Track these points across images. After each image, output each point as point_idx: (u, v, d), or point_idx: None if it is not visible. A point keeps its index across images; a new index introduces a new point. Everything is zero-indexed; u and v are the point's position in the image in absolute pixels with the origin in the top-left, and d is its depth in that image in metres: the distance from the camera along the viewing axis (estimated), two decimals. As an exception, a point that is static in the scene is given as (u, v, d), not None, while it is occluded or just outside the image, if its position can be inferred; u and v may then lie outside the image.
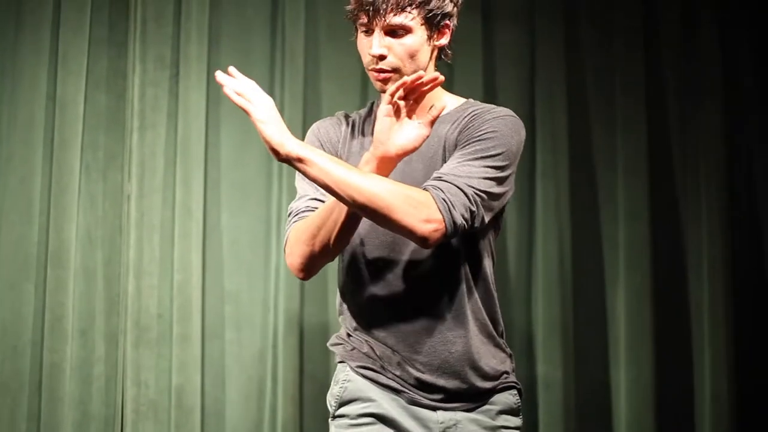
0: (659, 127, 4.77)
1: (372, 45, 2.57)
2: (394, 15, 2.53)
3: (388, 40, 2.56)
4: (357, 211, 2.44)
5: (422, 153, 2.57)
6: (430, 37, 2.61)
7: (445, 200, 2.43)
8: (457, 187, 2.46)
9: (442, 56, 2.72)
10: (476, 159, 2.52)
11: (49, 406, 4.07)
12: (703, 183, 4.76)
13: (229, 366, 4.26)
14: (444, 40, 2.67)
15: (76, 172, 4.18)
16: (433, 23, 2.60)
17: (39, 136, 4.16)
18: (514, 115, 2.66)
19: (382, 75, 2.59)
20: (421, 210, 2.41)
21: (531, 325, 4.59)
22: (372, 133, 2.55)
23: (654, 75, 4.78)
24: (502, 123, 2.59)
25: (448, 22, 2.65)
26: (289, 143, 2.41)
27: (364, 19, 2.56)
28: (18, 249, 4.12)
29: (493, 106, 2.71)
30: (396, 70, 2.58)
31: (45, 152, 4.16)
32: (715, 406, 4.63)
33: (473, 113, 2.63)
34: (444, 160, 2.59)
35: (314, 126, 2.83)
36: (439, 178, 2.48)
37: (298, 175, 2.69)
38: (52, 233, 4.14)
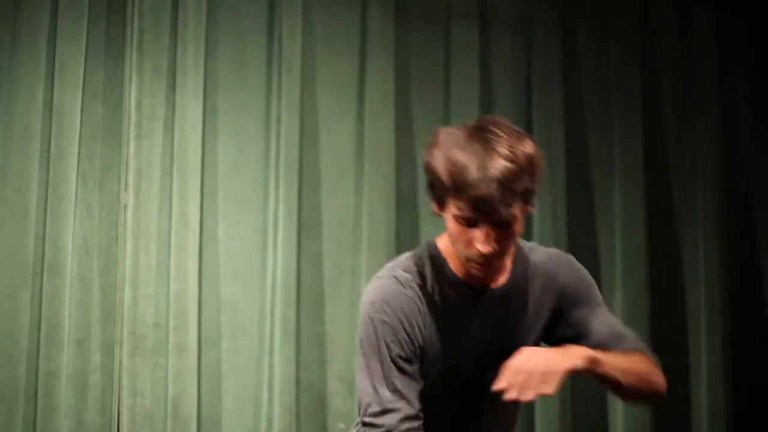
0: (655, 134, 4.79)
1: (478, 240, 2.26)
2: (506, 209, 2.22)
3: (496, 232, 2.27)
4: (630, 395, 2.50)
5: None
6: (524, 213, 2.33)
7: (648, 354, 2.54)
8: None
9: None
10: (602, 305, 2.57)
11: (44, 414, 4.06)
12: (699, 190, 4.78)
13: (225, 375, 4.26)
14: (533, 209, 2.40)
15: (73, 182, 4.18)
16: (530, 203, 2.34)
17: (36, 146, 4.16)
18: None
19: (486, 268, 2.33)
20: (657, 371, 2.55)
21: (527, 333, 4.59)
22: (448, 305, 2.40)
23: (650, 83, 4.80)
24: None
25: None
26: (575, 359, 2.29)
27: (468, 213, 2.24)
28: (14, 257, 4.11)
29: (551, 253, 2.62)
30: (500, 259, 2.33)
31: (41, 161, 4.16)
32: (712, 414, 4.64)
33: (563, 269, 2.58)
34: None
35: (391, 305, 2.39)
36: (624, 336, 2.54)
37: (369, 377, 2.36)
38: (49, 242, 4.13)
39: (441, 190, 2.27)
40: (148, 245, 4.21)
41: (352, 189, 4.48)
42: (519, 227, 2.29)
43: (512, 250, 2.37)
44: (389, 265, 2.46)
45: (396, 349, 2.33)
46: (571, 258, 2.58)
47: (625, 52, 4.77)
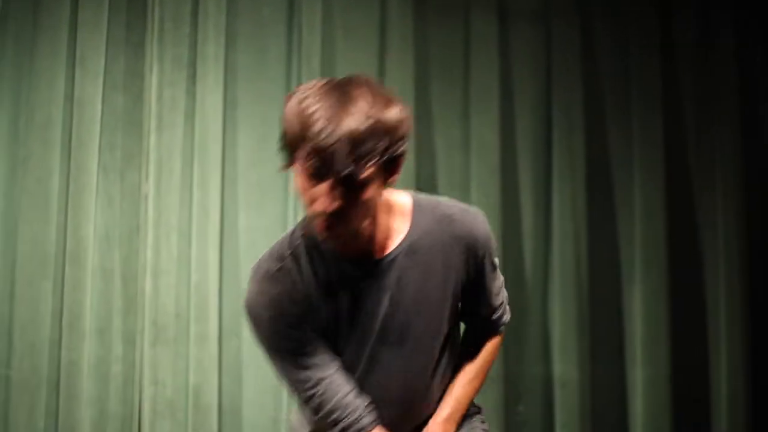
0: (675, 125, 4.78)
1: (322, 195, 2.11)
2: (351, 165, 2.08)
3: (341, 191, 2.11)
4: None
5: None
6: (384, 181, 2.19)
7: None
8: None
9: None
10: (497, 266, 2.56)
11: (66, 404, 4.09)
12: (719, 182, 4.76)
13: (246, 365, 4.27)
14: (397, 176, 2.23)
15: (94, 172, 4.20)
16: (390, 170, 2.18)
17: (57, 137, 4.18)
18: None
19: (328, 227, 2.17)
20: (496, 352, 2.65)
21: (547, 324, 4.59)
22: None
23: (670, 74, 4.78)
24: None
25: (403, 159, 2.20)
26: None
27: (311, 165, 2.09)
28: (36, 248, 4.13)
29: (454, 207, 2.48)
30: (345, 222, 2.17)
31: (63, 152, 4.18)
32: (732, 404, 4.63)
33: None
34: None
35: (267, 300, 2.35)
36: (498, 312, 2.60)
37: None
38: (70, 233, 4.15)
39: (289, 140, 2.12)
40: (169, 236, 4.22)
41: (372, 179, 4.48)
42: (372, 193, 2.15)
43: (374, 219, 2.25)
44: (263, 256, 2.38)
45: (285, 339, 2.37)
46: (481, 214, 2.46)
47: (645, 43, 4.76)
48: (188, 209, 4.26)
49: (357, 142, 2.06)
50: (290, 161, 2.14)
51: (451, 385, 2.53)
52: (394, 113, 2.13)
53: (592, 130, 4.69)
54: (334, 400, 2.36)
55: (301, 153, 2.09)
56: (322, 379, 2.36)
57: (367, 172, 2.09)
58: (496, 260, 2.50)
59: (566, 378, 4.54)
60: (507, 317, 2.63)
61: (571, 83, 4.66)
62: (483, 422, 2.65)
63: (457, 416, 2.52)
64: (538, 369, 4.54)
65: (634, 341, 4.63)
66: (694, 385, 4.69)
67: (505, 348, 4.46)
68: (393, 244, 2.34)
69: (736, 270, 4.71)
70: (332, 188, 2.09)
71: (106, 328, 4.17)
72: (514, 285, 4.56)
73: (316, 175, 2.09)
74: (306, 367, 2.36)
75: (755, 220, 4.81)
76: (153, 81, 4.29)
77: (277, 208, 4.37)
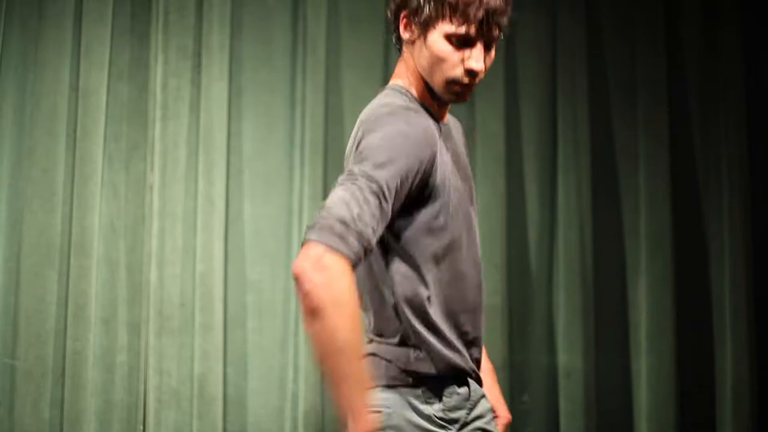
0: (680, 115, 4.77)
1: (473, 58, 2.28)
2: (498, 29, 2.30)
3: (489, 51, 2.33)
4: None
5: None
6: None
7: None
8: None
9: None
10: None
11: (72, 393, 4.09)
12: (724, 171, 4.76)
13: (251, 355, 4.28)
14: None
15: (99, 163, 4.20)
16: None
17: (62, 127, 4.18)
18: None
19: (470, 88, 2.34)
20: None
21: (552, 313, 4.60)
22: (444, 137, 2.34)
23: (675, 64, 4.78)
24: None
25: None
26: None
27: (468, 30, 2.26)
28: (41, 238, 4.14)
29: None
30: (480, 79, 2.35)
31: (68, 143, 4.18)
32: (736, 394, 4.64)
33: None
34: None
35: (422, 129, 2.24)
36: None
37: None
38: (75, 222, 4.16)
39: (437, 9, 2.27)
40: (174, 226, 4.23)
41: (377, 169, 4.48)
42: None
43: None
44: (383, 97, 2.37)
45: (407, 169, 2.15)
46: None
47: (650, 34, 4.75)
48: (193, 199, 4.26)
49: (508, 3, 2.31)
50: (425, 30, 2.31)
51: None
52: None
53: (598, 120, 4.69)
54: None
55: (457, 19, 2.25)
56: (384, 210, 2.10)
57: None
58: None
59: (571, 368, 4.55)
60: None
61: (577, 74, 4.66)
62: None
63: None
64: (543, 358, 4.55)
65: (639, 331, 4.63)
66: (699, 375, 4.69)
67: (509, 337, 4.48)
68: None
69: (741, 260, 4.71)
70: (483, 49, 2.29)
71: (112, 318, 4.19)
72: (519, 274, 4.57)
73: (468, 41, 2.27)
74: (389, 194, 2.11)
75: (760, 210, 4.81)
76: (158, 71, 4.29)
77: (283, 197, 4.37)
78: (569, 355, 4.55)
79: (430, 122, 2.29)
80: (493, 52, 2.33)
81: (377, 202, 2.07)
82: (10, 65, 4.22)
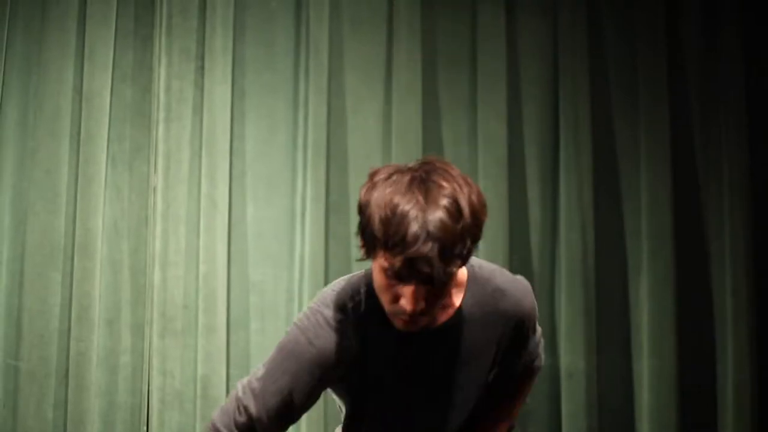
0: (682, 117, 4.78)
1: (404, 297, 2.06)
2: (442, 270, 2.01)
3: (426, 290, 2.06)
4: None
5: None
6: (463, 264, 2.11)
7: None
8: None
9: None
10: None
11: (75, 394, 4.10)
12: (725, 173, 4.76)
13: (254, 356, 4.28)
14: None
15: (103, 164, 4.21)
16: (468, 258, 2.09)
17: (65, 129, 4.19)
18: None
19: (411, 323, 2.12)
20: (529, 389, 2.79)
21: (554, 315, 4.60)
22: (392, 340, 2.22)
23: (676, 66, 4.78)
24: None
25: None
26: None
27: (401, 268, 2.01)
28: (45, 239, 4.15)
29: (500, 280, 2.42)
30: (427, 316, 2.13)
31: (71, 144, 4.19)
32: (738, 395, 4.64)
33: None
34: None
35: (313, 352, 2.22)
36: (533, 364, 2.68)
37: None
38: (79, 224, 4.17)
39: (372, 239, 2.02)
40: (177, 227, 4.24)
41: (380, 171, 4.48)
42: (454, 284, 2.16)
43: (450, 302, 2.23)
44: (326, 298, 2.26)
45: (298, 386, 2.22)
46: (529, 286, 2.46)
47: (650, 34, 4.75)
48: (196, 201, 4.27)
49: (448, 246, 1.98)
50: (369, 254, 2.06)
51: (485, 424, 2.52)
52: (475, 199, 2.05)
53: (599, 122, 4.70)
54: None
55: (387, 255, 2.00)
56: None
57: (455, 269, 2.03)
58: (538, 325, 2.55)
59: (573, 369, 4.55)
60: (542, 360, 2.63)
61: (578, 75, 4.66)
62: None
63: None
64: (545, 360, 4.54)
65: (641, 332, 4.64)
66: (701, 377, 4.70)
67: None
68: (445, 317, 2.27)
69: (742, 261, 4.71)
70: (419, 290, 2.03)
71: (115, 319, 4.19)
72: (521, 275, 4.56)
73: (404, 277, 2.02)
74: (275, 418, 2.25)
75: (761, 210, 4.81)
76: (161, 73, 4.30)
77: (285, 199, 4.38)
78: (571, 356, 4.56)
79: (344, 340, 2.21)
80: (449, 286, 2.09)
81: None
82: (14, 67, 4.22)
